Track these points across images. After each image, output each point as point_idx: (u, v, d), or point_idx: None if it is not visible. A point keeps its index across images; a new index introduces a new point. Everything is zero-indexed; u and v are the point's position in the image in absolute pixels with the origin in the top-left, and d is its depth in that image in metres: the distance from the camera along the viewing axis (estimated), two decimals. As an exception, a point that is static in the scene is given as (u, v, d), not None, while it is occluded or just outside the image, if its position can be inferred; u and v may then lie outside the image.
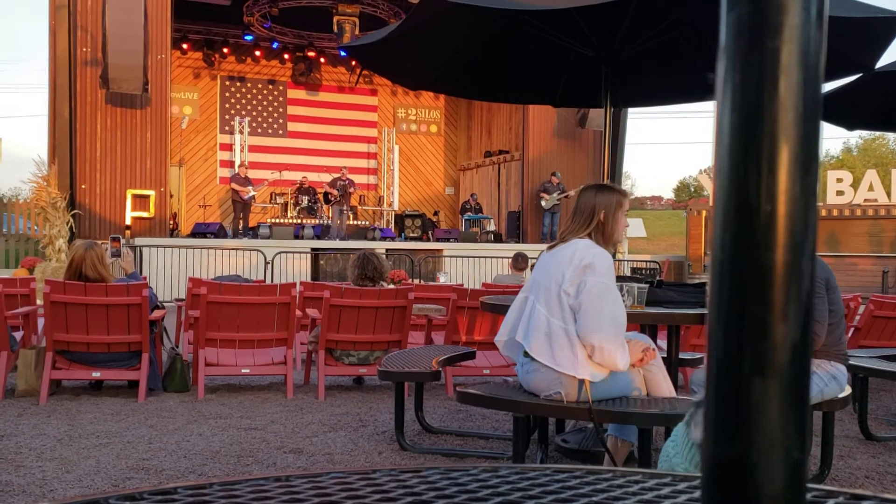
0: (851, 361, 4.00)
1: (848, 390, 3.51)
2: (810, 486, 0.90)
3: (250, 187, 15.95)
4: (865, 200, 17.19)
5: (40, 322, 5.60)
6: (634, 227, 20.28)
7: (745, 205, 0.35)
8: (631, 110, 18.64)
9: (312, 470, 0.93)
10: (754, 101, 0.35)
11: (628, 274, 14.85)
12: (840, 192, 17.45)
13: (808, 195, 0.35)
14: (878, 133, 43.08)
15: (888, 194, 17.00)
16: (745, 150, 0.35)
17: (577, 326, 3.00)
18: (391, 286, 5.76)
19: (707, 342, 0.37)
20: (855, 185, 17.76)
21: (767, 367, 0.35)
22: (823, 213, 17.54)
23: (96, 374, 5.15)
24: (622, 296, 3.47)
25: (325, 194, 17.10)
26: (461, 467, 0.95)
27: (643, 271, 16.30)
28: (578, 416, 3.18)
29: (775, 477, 0.35)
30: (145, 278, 6.10)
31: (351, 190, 16.79)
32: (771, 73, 0.35)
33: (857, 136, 49.88)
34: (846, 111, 6.28)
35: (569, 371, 3.02)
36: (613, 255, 3.20)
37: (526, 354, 3.15)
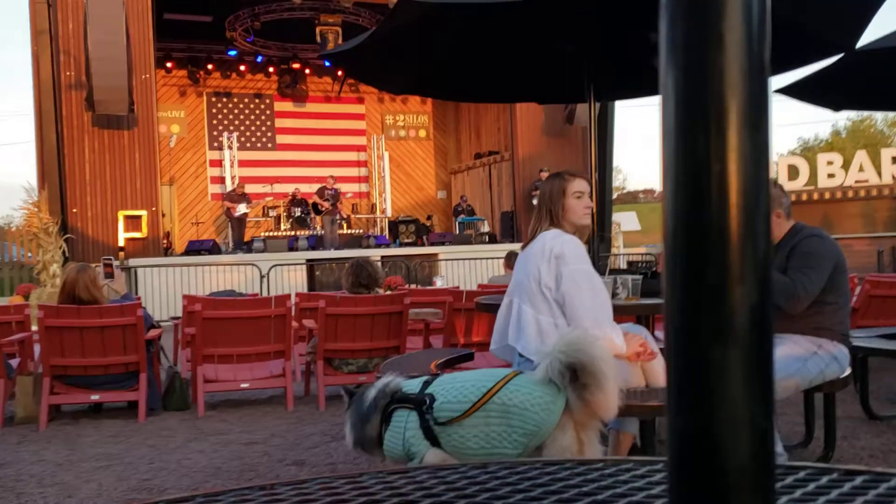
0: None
1: (848, 371, 3.50)
2: (807, 464, 0.88)
3: (242, 205, 15.92)
4: (857, 181, 17.24)
5: (36, 348, 5.57)
6: (628, 220, 20.27)
7: (693, 165, 0.33)
8: (620, 103, 18.64)
9: (298, 477, 0.91)
10: (699, 58, 0.33)
11: (625, 267, 14.82)
12: (831, 175, 17.49)
13: (759, 153, 0.33)
14: (866, 113, 43.22)
15: (879, 174, 17.05)
16: (690, 109, 0.33)
17: (567, 319, 2.99)
18: (387, 293, 5.74)
19: (664, 311, 0.35)
20: (845, 166, 17.80)
21: (727, 332, 0.33)
22: (816, 196, 17.58)
23: (95, 397, 5.13)
24: (617, 288, 3.46)
25: (314, 205, 17.06)
26: (450, 466, 0.94)
27: (639, 264, 16.28)
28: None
29: (741, 448, 0.33)
30: (139, 298, 6.06)
31: (339, 198, 16.77)
32: (715, 27, 0.33)
33: (845, 118, 50.04)
34: (831, 92, 6.28)
35: (565, 366, 3.00)
36: (608, 246, 3.19)
37: (521, 355, 3.13)
